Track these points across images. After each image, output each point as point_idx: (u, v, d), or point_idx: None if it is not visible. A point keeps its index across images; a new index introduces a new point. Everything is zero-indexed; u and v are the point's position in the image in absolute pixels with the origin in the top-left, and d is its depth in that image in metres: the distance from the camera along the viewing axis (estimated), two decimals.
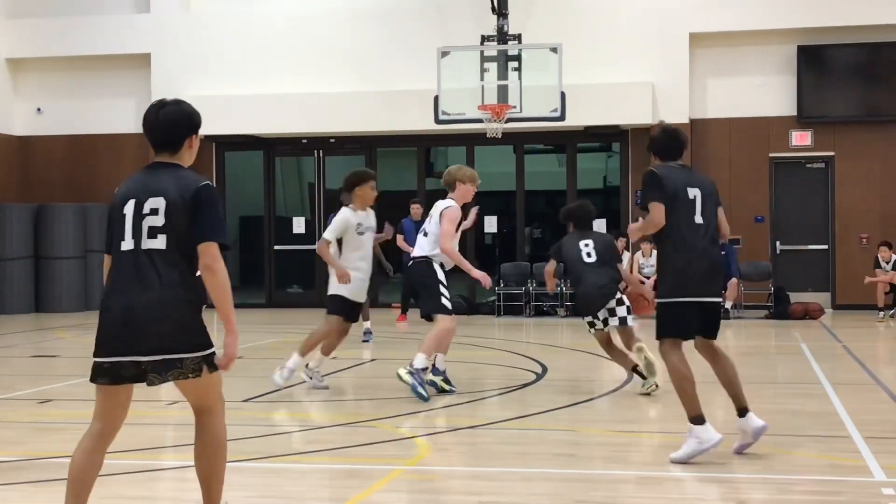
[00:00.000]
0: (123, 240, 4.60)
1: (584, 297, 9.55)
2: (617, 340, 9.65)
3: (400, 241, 16.51)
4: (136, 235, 4.60)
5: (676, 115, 18.14)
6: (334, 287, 9.54)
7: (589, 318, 9.56)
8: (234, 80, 19.71)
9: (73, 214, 19.35)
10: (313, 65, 19.58)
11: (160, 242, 4.56)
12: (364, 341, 13.90)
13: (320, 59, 19.57)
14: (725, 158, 18.85)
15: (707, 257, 6.60)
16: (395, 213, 17.88)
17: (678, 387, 6.62)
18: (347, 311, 9.56)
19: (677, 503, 5.92)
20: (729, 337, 14.35)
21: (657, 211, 6.53)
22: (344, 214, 9.58)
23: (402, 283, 16.94)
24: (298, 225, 20.57)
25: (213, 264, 4.58)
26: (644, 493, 6.09)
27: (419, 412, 8.41)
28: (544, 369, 11.02)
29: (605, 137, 20.66)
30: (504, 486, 6.21)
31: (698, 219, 6.57)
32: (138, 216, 4.62)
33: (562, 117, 16.65)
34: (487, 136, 17.05)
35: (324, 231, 9.95)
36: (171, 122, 4.78)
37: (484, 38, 17.07)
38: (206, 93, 19.59)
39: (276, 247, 20.60)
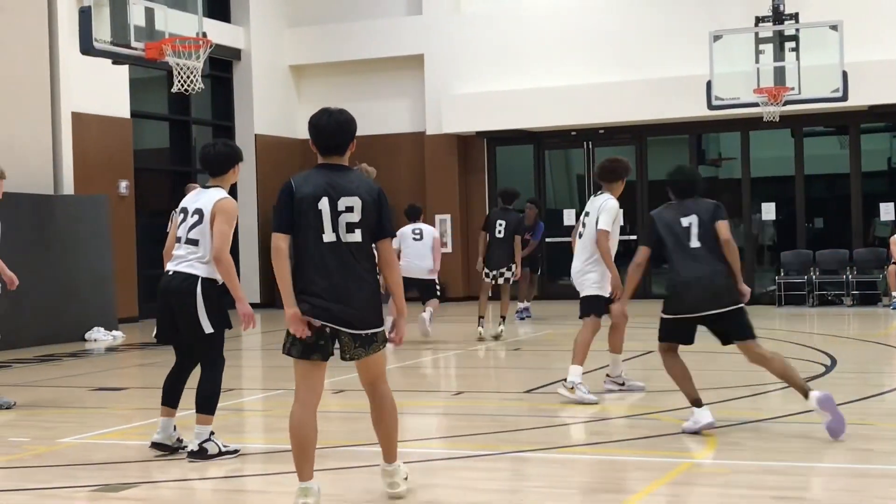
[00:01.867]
0: (324, 233, 5.21)
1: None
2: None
3: None
4: (336, 229, 5.22)
5: None
6: (595, 287, 8.80)
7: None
8: (504, 76, 19.95)
9: None
10: (581, 56, 19.55)
11: (357, 236, 5.22)
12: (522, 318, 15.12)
13: (588, 49, 19.52)
14: None
15: (701, 280, 7.09)
16: (662, 202, 17.64)
17: (674, 381, 7.27)
18: (602, 308, 8.95)
19: None
20: None
21: (638, 252, 7.47)
22: (615, 203, 8.98)
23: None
24: (569, 217, 20.59)
25: (392, 258, 5.33)
26: None
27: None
28: (833, 361, 10.57)
29: (890, 117, 19.58)
30: (798, 480, 6.00)
31: (694, 243, 7.17)
32: (335, 212, 5.23)
33: (844, 97, 15.93)
34: (764, 119, 16.52)
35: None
36: (341, 128, 5.55)
37: (758, 20, 16.55)
38: (477, 90, 19.95)
39: (548, 239, 20.71)
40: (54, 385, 10.50)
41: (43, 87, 15.09)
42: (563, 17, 19.78)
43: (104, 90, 16.74)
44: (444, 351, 12.59)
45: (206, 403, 6.58)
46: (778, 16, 16.50)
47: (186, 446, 6.66)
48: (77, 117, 15.79)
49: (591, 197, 9.18)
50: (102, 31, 12.04)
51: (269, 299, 20.45)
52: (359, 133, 21.34)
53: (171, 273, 6.56)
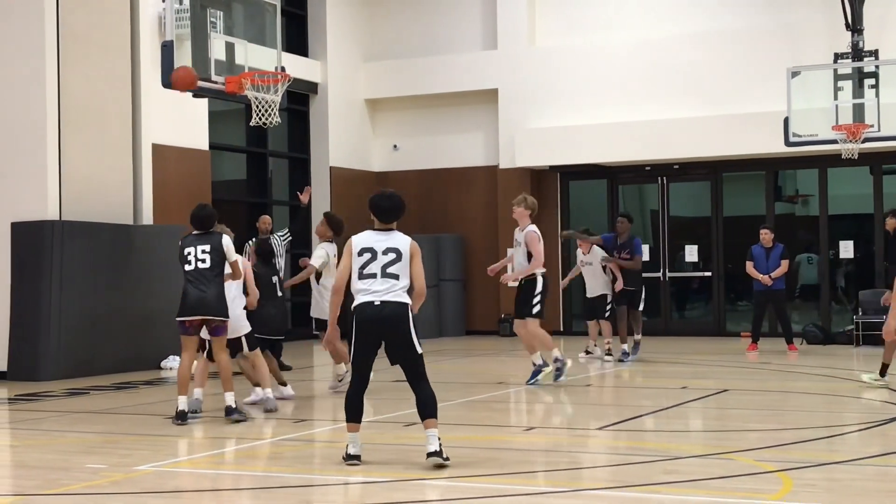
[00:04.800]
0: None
1: None
2: None
3: (749, 267, 16.12)
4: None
5: None
6: None
7: None
8: (578, 110, 19.96)
9: (427, 245, 20.24)
10: (656, 91, 19.50)
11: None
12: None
13: (664, 83, 19.46)
14: None
15: None
16: (744, 238, 17.46)
17: None
18: None
19: None
20: None
21: None
22: None
23: (754, 308, 16.53)
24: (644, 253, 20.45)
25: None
26: None
27: (774, 446, 8.12)
28: None
29: None
30: None
31: None
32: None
33: None
34: (842, 157, 16.32)
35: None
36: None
37: (837, 56, 16.39)
38: (551, 124, 19.99)
39: None
40: (131, 413, 10.66)
41: (125, 119, 15.41)
42: (639, 52, 19.76)
43: (184, 123, 17.06)
44: (516, 386, 12.56)
45: (435, 409, 7.39)
46: (857, 52, 16.35)
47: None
48: (157, 149, 16.10)
49: None
50: (183, 65, 12.28)
51: (344, 331, 20.53)
52: (432, 166, 21.84)
53: (378, 303, 7.38)
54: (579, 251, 15.45)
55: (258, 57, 13.84)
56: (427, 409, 7.37)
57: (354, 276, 7.47)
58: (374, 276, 7.43)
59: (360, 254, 7.51)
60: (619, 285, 14.85)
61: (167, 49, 11.89)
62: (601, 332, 15.18)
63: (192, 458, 8.05)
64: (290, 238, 14.66)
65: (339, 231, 12.17)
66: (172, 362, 14.96)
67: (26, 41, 14.20)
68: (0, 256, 14.19)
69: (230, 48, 12.85)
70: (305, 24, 21.08)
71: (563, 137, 19.73)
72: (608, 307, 15.00)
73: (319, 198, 20.95)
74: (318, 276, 12.18)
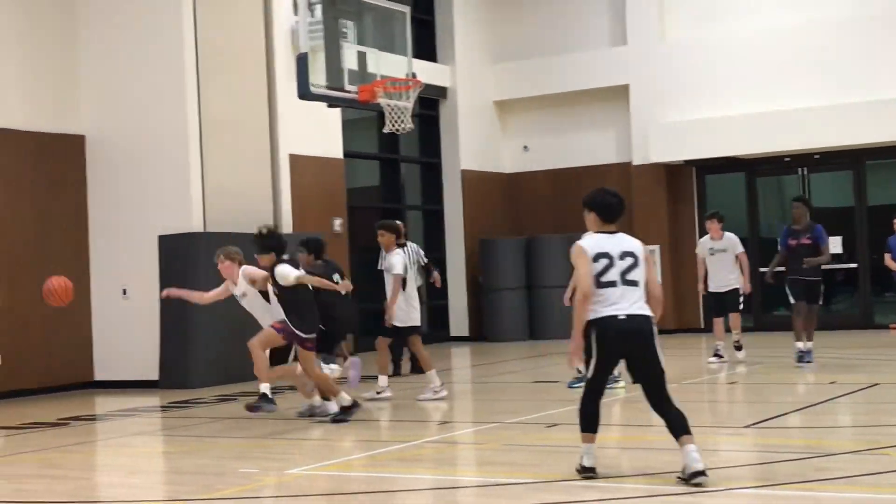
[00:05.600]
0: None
1: None
2: None
3: (888, 259, 15.60)
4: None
5: None
6: None
7: None
8: (711, 103, 19.63)
9: (560, 245, 20.17)
10: (793, 79, 19.03)
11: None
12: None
13: (801, 72, 18.99)
14: None
15: None
16: (884, 229, 16.89)
17: None
18: None
19: None
20: None
21: None
22: None
23: None
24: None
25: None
26: None
27: None
28: None
29: None
30: None
31: None
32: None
33: None
34: None
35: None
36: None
37: None
38: (684, 118, 19.70)
39: (762, 269, 20.16)
40: (278, 417, 10.89)
41: (263, 131, 15.78)
42: (773, 39, 19.33)
43: (319, 132, 17.37)
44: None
45: (688, 424, 6.72)
46: None
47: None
48: (294, 159, 16.43)
49: None
50: (318, 77, 12.54)
51: (477, 334, 20.67)
52: (564, 165, 21.71)
53: (623, 317, 6.70)
54: (705, 239, 14.40)
55: (389, 64, 14.05)
56: (681, 425, 6.69)
57: (590, 284, 6.72)
58: (613, 284, 6.73)
59: (596, 259, 6.76)
60: (747, 287, 14.03)
61: (302, 61, 12.15)
62: (728, 327, 14.24)
63: (342, 462, 8.19)
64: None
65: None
66: (330, 367, 15.21)
67: (168, 60, 14.65)
68: (149, 269, 14.67)
69: (362, 57, 13.07)
70: (433, 29, 21.24)
71: (697, 131, 19.43)
72: (741, 301, 14.21)
73: (452, 202, 21.09)
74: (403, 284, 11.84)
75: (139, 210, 14.79)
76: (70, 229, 14.89)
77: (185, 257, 14.46)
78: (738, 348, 14.20)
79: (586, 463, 6.84)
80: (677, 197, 20.49)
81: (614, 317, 6.69)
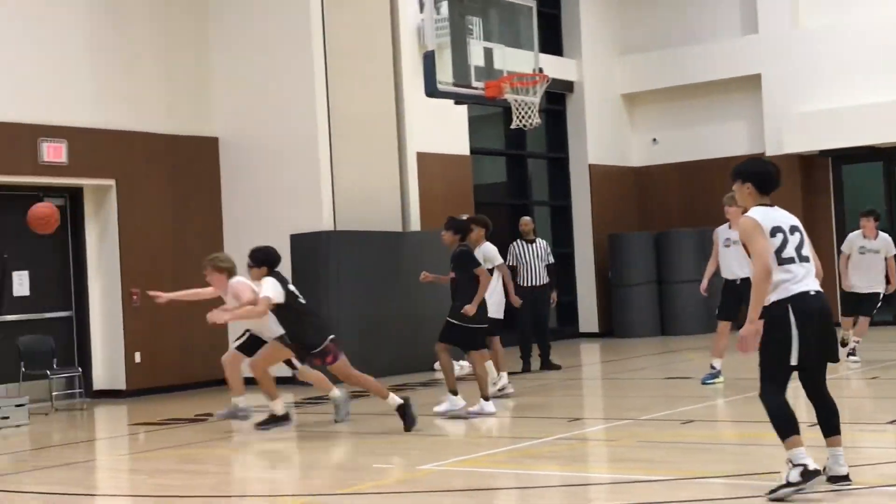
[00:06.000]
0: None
1: None
2: None
3: None
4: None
5: None
6: None
7: None
8: (849, 91, 19.03)
9: (691, 239, 19.87)
10: None
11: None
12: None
13: None
14: None
15: None
16: None
17: None
18: None
19: None
20: None
21: None
22: None
23: None
24: None
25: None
26: None
27: None
28: None
29: None
30: None
31: None
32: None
33: None
34: None
35: None
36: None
37: None
38: (820, 107, 19.15)
39: None
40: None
41: (390, 129, 15.90)
42: None
43: (445, 129, 17.41)
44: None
45: (839, 422, 6.28)
46: None
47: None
48: (421, 157, 16.51)
49: None
50: (445, 74, 12.56)
51: (606, 330, 20.47)
52: (694, 157, 21.22)
53: (814, 293, 6.18)
54: (856, 235, 13.61)
55: (515, 60, 13.99)
56: (834, 424, 6.23)
57: (771, 259, 6.15)
58: (792, 260, 6.19)
59: (773, 234, 6.22)
60: (894, 287, 13.29)
61: (429, 59, 12.18)
62: (853, 327, 13.47)
63: (473, 458, 8.18)
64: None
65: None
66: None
67: (297, 62, 14.88)
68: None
69: (488, 53, 13.04)
70: (559, 23, 21.09)
71: (833, 120, 18.86)
72: (877, 306, 13.44)
73: (579, 197, 20.93)
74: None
75: (271, 209, 15.05)
76: (205, 230, 15.24)
77: (315, 256, 14.66)
78: (852, 353, 13.19)
79: (812, 466, 6.00)
80: (812, 188, 19.92)
81: (807, 293, 6.14)
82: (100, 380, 14.35)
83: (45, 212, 10.24)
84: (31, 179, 13.62)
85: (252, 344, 10.22)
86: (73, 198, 14.40)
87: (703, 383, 11.57)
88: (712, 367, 11.69)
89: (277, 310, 9.57)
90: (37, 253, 13.92)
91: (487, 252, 11.64)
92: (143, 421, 11.63)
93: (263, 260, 9.67)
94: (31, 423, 11.65)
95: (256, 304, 9.65)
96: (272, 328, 9.98)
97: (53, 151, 13.63)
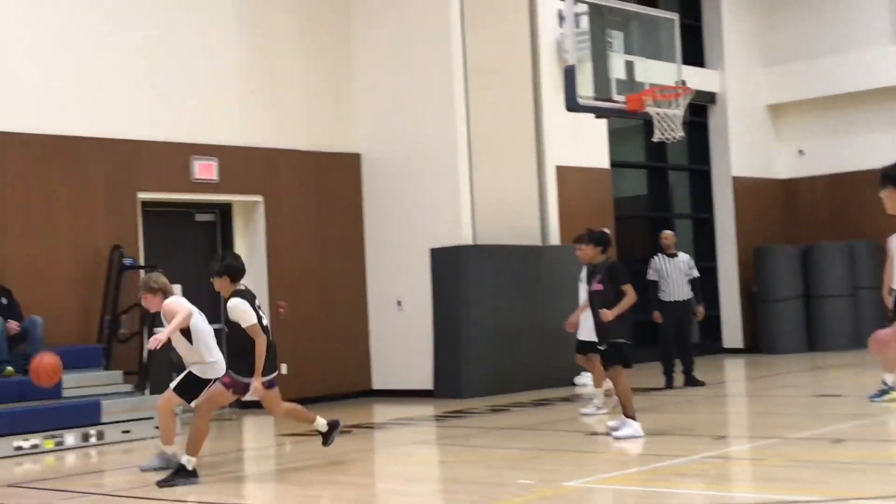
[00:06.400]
0: None
1: None
2: None
3: None
4: None
5: None
6: None
7: None
8: None
9: (840, 253, 19.34)
10: None
11: None
12: None
13: None
14: None
15: None
16: None
17: None
18: None
19: None
20: None
21: None
22: None
23: None
24: None
25: None
26: None
27: None
28: None
29: None
30: None
31: None
32: None
33: None
34: None
35: None
36: None
37: None
38: None
39: None
40: (550, 429, 10.95)
41: (529, 143, 15.92)
42: None
43: (585, 143, 17.37)
44: None
45: None
46: None
47: None
48: (561, 170, 16.48)
49: None
50: (585, 88, 12.53)
51: (752, 344, 20.05)
52: (843, 169, 20.61)
53: None
54: None
55: (656, 72, 13.88)
56: None
57: None
58: None
59: None
60: None
61: (570, 73, 12.17)
62: None
63: (617, 475, 8.11)
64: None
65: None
66: (585, 378, 15.20)
67: (437, 77, 15.03)
68: (422, 281, 15.08)
69: (629, 66, 12.98)
70: (700, 34, 20.80)
71: None
72: None
73: (723, 210, 20.56)
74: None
75: (411, 224, 15.22)
76: (348, 244, 15.52)
77: (455, 269, 14.77)
78: None
79: None
80: None
81: None
82: None
83: (52, 363, 9.41)
84: (184, 196, 14.09)
85: (190, 383, 8.97)
86: (223, 213, 14.83)
87: (872, 400, 11.21)
88: (884, 384, 11.30)
89: (238, 333, 8.47)
90: (189, 267, 14.37)
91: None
92: (290, 432, 11.86)
93: (224, 271, 8.59)
94: (184, 432, 11.99)
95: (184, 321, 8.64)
96: (205, 358, 8.91)
97: (205, 169, 14.08)
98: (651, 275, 14.31)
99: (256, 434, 12.58)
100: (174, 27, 14.03)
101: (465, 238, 14.92)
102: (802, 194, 21.03)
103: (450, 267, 14.84)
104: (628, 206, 19.68)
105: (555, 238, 16.05)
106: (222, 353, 9.09)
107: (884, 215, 17.76)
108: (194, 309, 8.92)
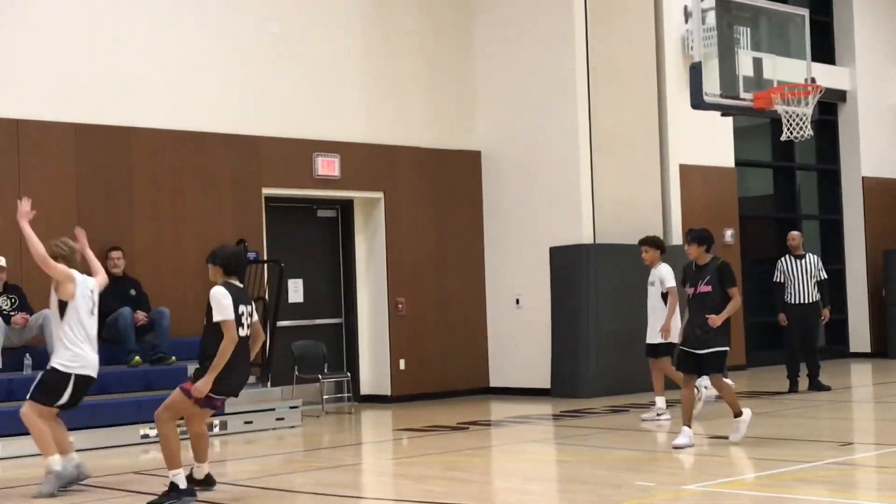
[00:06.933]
0: None
1: None
2: None
3: None
4: None
5: None
6: None
7: None
8: None
9: None
10: None
11: None
12: None
13: None
14: None
15: None
16: None
17: None
18: None
19: None
20: None
21: None
22: None
23: None
24: None
25: None
26: None
27: None
28: None
29: None
30: None
31: None
32: None
33: None
34: None
35: None
36: None
37: None
38: None
39: None
40: (670, 431, 10.77)
41: (652, 142, 15.70)
42: None
43: (709, 142, 17.07)
44: None
45: None
46: None
47: None
48: (684, 169, 16.22)
49: None
50: (711, 85, 12.31)
51: (880, 349, 19.47)
52: None
53: None
54: None
55: (785, 69, 13.55)
56: None
57: None
58: None
59: None
60: None
61: (696, 71, 11.97)
62: None
63: (738, 480, 7.95)
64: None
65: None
66: (705, 381, 14.94)
67: (559, 75, 14.94)
68: (541, 279, 15.01)
69: (757, 63, 12.71)
70: (831, 31, 20.24)
71: None
72: None
73: (852, 211, 20.00)
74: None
75: (531, 222, 15.17)
76: (467, 241, 15.53)
77: (575, 268, 14.66)
78: None
79: None
80: None
81: None
82: (366, 385, 14.87)
83: None
84: (307, 192, 14.29)
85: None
86: (344, 209, 15.00)
87: None
88: None
89: (212, 331, 7.60)
90: (310, 262, 14.58)
91: (662, 274, 11.66)
92: (407, 427, 11.94)
93: (218, 261, 7.81)
94: (304, 424, 12.19)
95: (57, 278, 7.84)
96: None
97: (327, 165, 14.25)
98: (777, 277, 14.02)
99: (375, 428, 12.70)
100: (300, 26, 14.23)
101: (586, 237, 14.79)
102: None
103: (569, 265, 14.74)
104: (753, 206, 19.27)
105: (677, 237, 15.79)
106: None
107: None
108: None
